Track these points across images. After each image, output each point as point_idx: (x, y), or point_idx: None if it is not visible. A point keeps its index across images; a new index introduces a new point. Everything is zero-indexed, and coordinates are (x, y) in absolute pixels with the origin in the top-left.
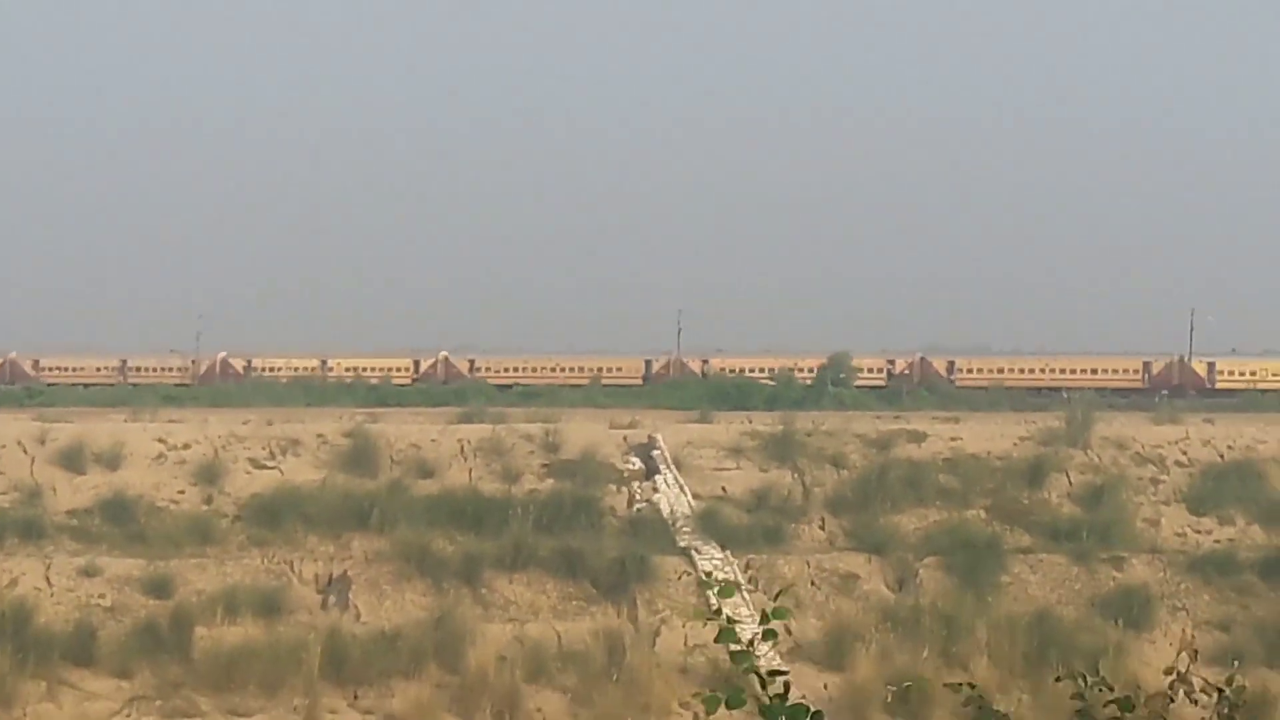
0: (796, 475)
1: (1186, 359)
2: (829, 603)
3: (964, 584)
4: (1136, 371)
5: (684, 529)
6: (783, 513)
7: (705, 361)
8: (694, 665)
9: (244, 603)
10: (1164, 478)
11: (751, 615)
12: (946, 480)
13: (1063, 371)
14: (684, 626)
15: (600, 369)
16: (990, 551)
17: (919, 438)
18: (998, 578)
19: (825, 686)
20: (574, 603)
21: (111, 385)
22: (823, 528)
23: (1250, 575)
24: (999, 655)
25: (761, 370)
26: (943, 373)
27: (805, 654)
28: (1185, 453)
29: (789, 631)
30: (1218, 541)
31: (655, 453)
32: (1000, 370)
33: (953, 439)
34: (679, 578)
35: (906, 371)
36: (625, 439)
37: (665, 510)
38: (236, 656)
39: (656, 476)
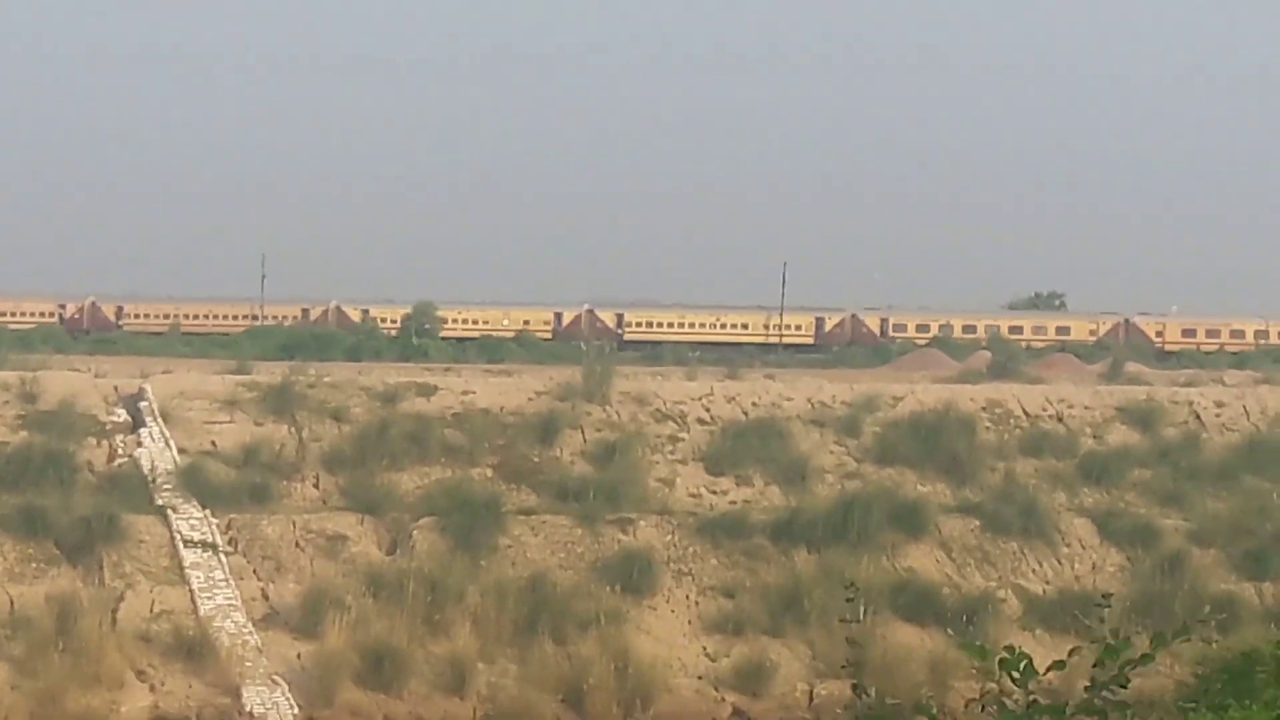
0: (293, 430)
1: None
2: (312, 566)
3: (459, 547)
4: (809, 327)
5: (165, 486)
6: (274, 470)
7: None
8: (158, 633)
9: None
10: (684, 436)
11: (227, 579)
12: (453, 436)
13: (734, 327)
14: (151, 591)
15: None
16: (488, 512)
17: (429, 391)
18: (495, 540)
19: (299, 656)
20: (33, 565)
21: None
22: (317, 486)
23: (761, 538)
24: (486, 622)
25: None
26: (612, 326)
27: (281, 621)
28: (709, 410)
29: (265, 596)
30: (733, 503)
31: (143, 404)
32: (670, 325)
33: (465, 393)
34: (152, 539)
35: (573, 325)
36: (116, 389)
37: (146, 466)
38: None
39: (141, 430)
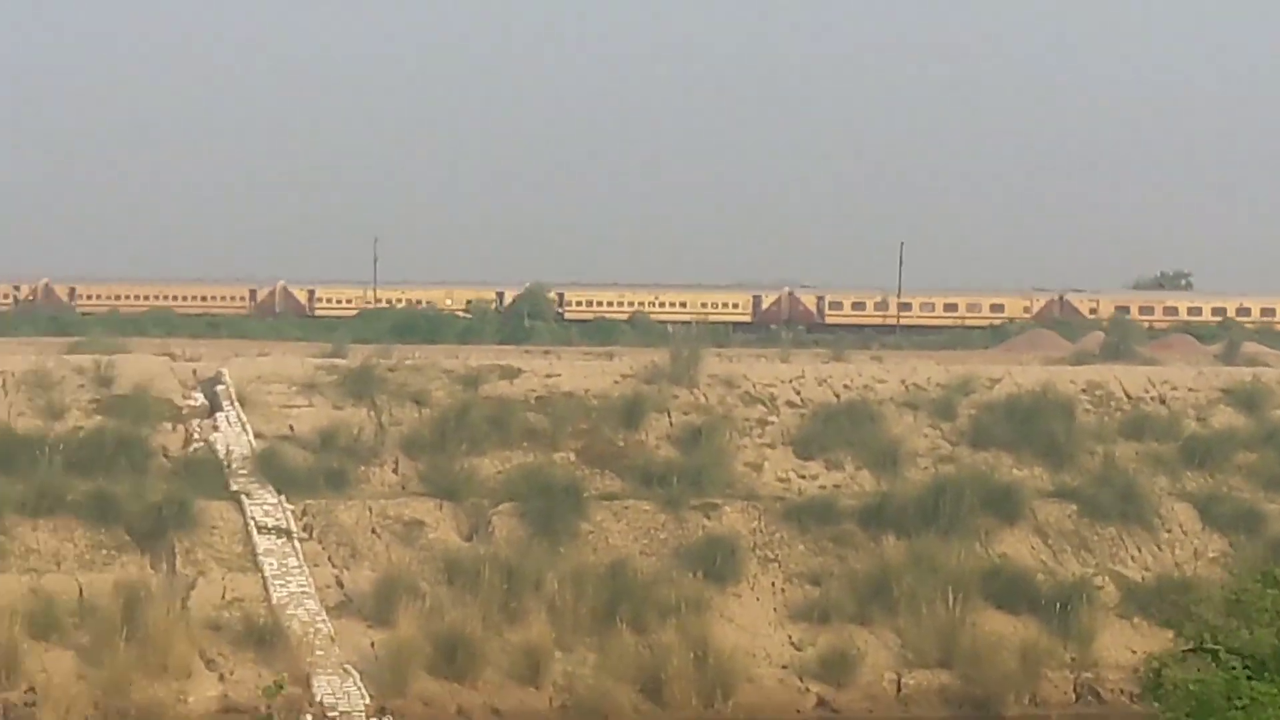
0: (372, 413)
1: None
2: (388, 552)
3: (539, 533)
4: (746, 305)
5: (240, 471)
6: (352, 454)
7: (311, 293)
8: (228, 621)
9: None
10: (773, 419)
11: (300, 566)
12: (536, 420)
13: (673, 305)
14: (223, 578)
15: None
16: (569, 497)
17: (512, 374)
18: (576, 526)
19: (372, 645)
20: (104, 551)
21: None
22: (395, 471)
23: (850, 524)
24: (564, 610)
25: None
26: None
27: (355, 609)
28: (799, 392)
29: (339, 584)
30: (823, 487)
31: (220, 388)
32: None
33: (549, 375)
34: (225, 525)
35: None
36: (195, 373)
37: (222, 451)
38: None
39: (218, 414)
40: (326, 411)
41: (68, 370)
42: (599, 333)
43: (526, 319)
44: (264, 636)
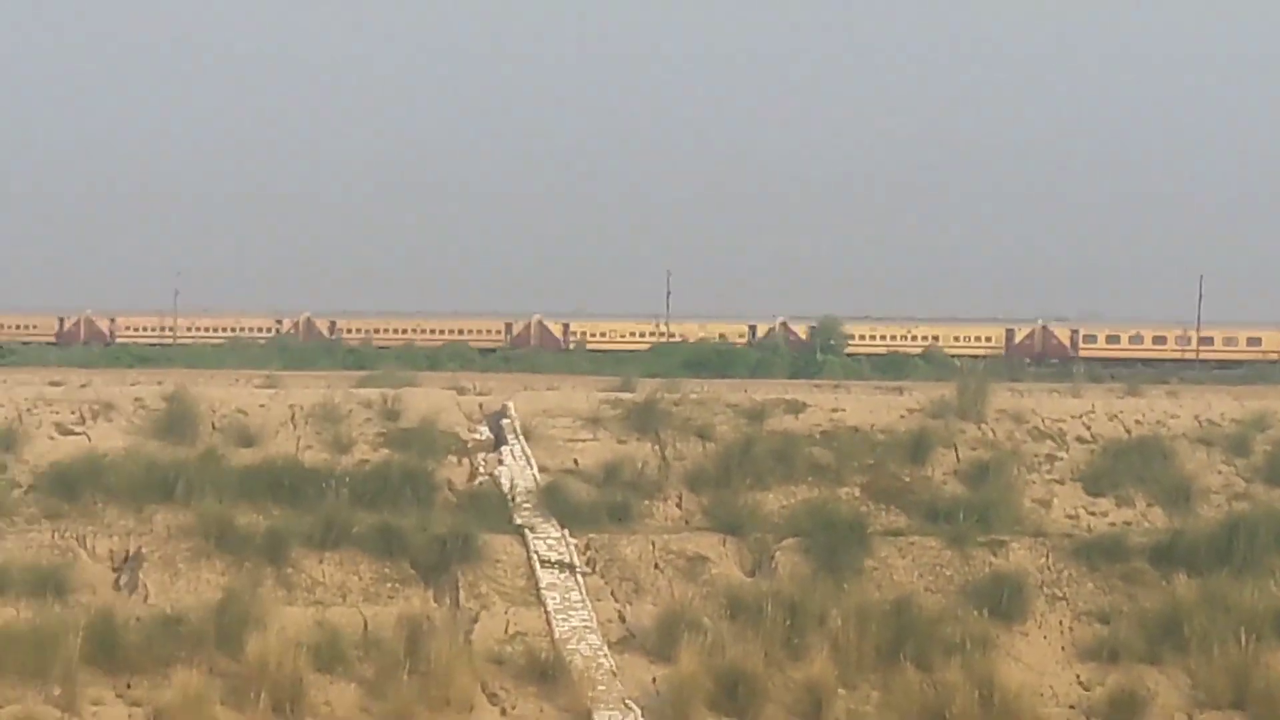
0: (656, 448)
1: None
2: (671, 587)
3: (822, 568)
4: (999, 339)
5: (524, 505)
6: (635, 488)
7: (566, 326)
8: (511, 655)
9: (19, 581)
10: (1062, 454)
11: (583, 601)
12: (821, 455)
13: (924, 339)
14: (506, 612)
15: (460, 330)
16: (854, 533)
17: (797, 408)
18: (860, 562)
19: (654, 680)
20: (388, 585)
21: None
22: (679, 505)
23: (1140, 562)
24: (847, 647)
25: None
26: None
27: (637, 644)
28: (1089, 428)
29: (622, 618)
30: (1112, 524)
31: (505, 421)
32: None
33: (834, 410)
34: (509, 559)
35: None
36: (481, 406)
37: (506, 485)
38: None
39: (503, 448)
40: (611, 445)
41: (355, 404)
42: (890, 366)
43: (818, 353)
44: (546, 671)
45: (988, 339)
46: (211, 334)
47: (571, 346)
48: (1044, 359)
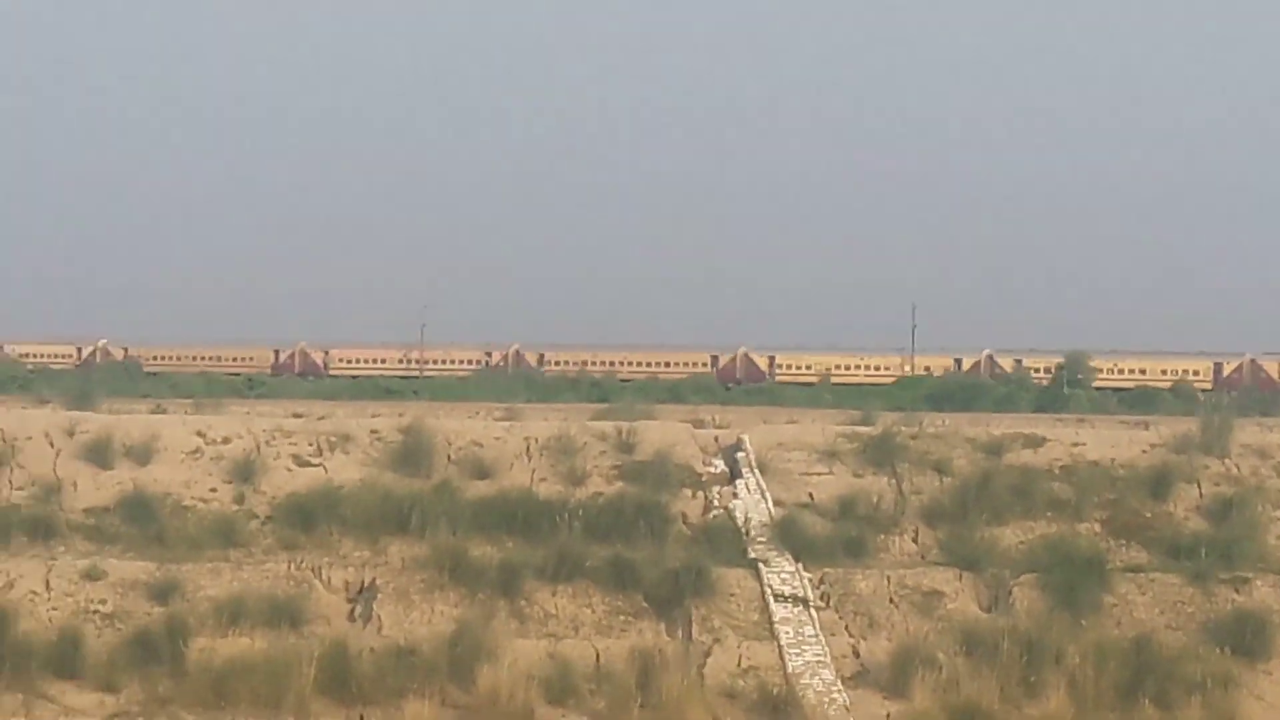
0: (893, 482)
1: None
2: (906, 622)
3: (1060, 604)
4: (1206, 372)
5: (758, 539)
6: (871, 523)
7: (772, 359)
8: (743, 689)
9: (255, 611)
10: None
11: (817, 635)
12: (1060, 489)
13: (1133, 372)
14: (739, 646)
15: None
16: (1093, 569)
17: (1036, 442)
18: (1099, 598)
19: (887, 716)
20: (621, 618)
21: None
22: (915, 540)
23: None
24: (1084, 684)
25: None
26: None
27: (871, 679)
28: None
29: (856, 654)
30: None
31: (740, 455)
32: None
33: (1074, 445)
34: (742, 592)
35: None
36: (716, 440)
37: (740, 518)
38: (231, 670)
39: (738, 481)
40: (846, 479)
41: (590, 436)
42: (1139, 401)
43: (1065, 387)
44: (779, 705)
45: (1195, 372)
46: (429, 366)
47: (778, 379)
48: (1253, 392)
